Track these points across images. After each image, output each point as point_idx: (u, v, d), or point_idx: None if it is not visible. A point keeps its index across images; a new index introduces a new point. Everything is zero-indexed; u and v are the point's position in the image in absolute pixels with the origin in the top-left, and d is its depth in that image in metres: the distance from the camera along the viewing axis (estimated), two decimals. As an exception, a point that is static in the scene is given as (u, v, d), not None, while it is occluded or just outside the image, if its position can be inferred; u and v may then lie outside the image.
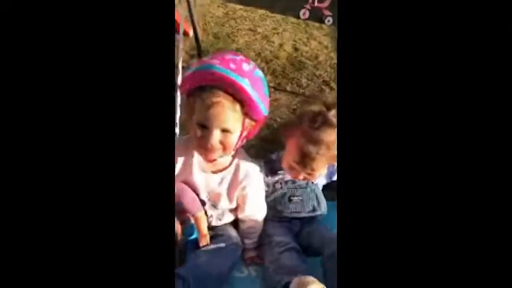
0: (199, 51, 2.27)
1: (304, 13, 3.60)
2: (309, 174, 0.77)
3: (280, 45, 2.86)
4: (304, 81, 2.25)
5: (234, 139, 0.68)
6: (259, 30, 3.14)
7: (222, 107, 0.64)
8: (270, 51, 2.68)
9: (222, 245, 0.66)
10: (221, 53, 0.72)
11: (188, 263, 0.63)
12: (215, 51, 2.49)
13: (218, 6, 3.51)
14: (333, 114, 0.73)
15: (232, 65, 0.66)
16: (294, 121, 0.82)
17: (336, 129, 0.72)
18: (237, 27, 3.06)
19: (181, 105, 0.92)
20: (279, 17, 3.64)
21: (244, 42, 2.77)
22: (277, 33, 3.14)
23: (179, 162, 0.72)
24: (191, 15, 2.04)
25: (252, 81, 0.67)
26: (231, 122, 0.66)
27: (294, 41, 3.00)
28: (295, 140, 0.75)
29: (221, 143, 0.67)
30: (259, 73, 0.71)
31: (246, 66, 0.68)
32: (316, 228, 0.77)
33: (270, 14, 3.73)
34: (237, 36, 2.90)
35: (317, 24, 3.48)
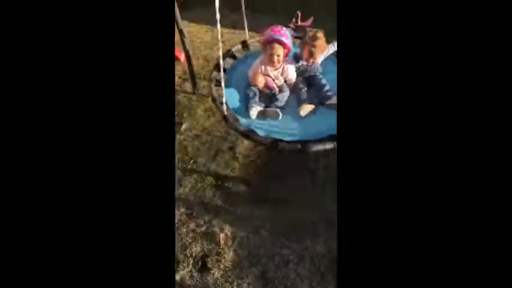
0: (192, 74, 2.37)
1: (288, 32, 3.77)
2: (314, 59, 1.83)
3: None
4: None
5: (281, 57, 1.75)
6: (247, 50, 3.27)
7: (276, 47, 1.71)
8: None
9: (284, 92, 1.77)
10: (273, 27, 1.72)
11: (276, 100, 1.70)
12: (206, 73, 2.58)
13: (206, 31, 3.65)
14: (319, 33, 1.83)
15: (277, 32, 1.70)
16: (302, 41, 1.94)
17: (321, 39, 1.81)
18: (226, 49, 3.17)
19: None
20: (264, 37, 3.79)
21: (234, 63, 2.86)
22: (265, 52, 3.27)
23: (262, 67, 1.78)
24: (183, 41, 2.15)
25: (285, 36, 1.72)
26: (279, 52, 1.73)
27: (281, 58, 3.13)
28: (306, 47, 1.84)
29: (277, 60, 1.74)
30: (287, 32, 1.75)
31: (283, 31, 1.72)
32: (316, 79, 1.82)
33: (256, 35, 3.88)
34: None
35: (301, 41, 3.64)
